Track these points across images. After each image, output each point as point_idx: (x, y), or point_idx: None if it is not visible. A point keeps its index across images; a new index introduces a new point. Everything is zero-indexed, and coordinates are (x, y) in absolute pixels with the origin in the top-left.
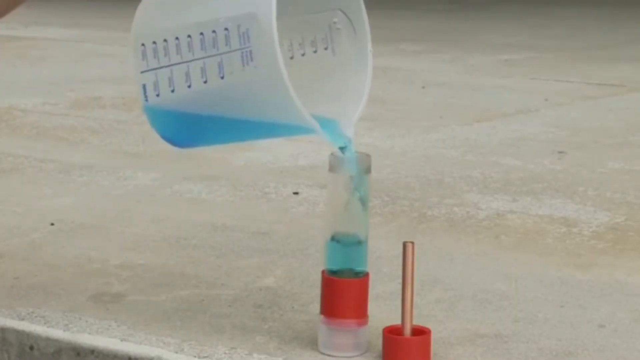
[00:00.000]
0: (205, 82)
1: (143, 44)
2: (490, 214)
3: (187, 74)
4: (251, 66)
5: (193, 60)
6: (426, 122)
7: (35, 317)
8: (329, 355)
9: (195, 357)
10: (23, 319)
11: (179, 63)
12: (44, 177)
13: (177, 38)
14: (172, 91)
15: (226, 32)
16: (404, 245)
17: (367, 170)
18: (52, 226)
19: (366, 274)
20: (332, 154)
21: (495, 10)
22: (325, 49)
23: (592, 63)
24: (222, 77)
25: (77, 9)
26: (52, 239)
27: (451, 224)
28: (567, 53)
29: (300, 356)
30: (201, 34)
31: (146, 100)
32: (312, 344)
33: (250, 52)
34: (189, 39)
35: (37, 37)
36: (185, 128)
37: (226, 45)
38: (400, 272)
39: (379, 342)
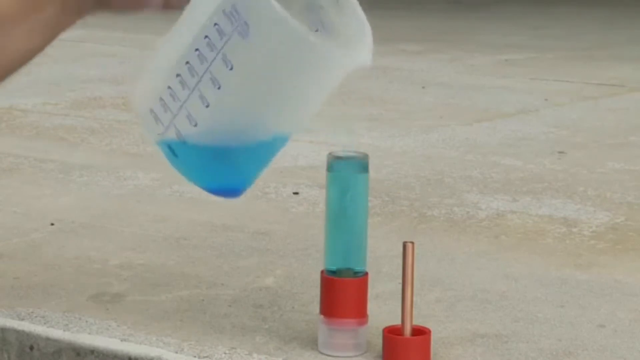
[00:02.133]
0: (219, 88)
1: (151, 109)
2: (490, 214)
3: (201, 97)
4: (251, 35)
5: (200, 79)
6: (426, 122)
7: (35, 317)
8: (329, 355)
9: (195, 357)
10: (23, 319)
11: (191, 93)
12: (44, 177)
13: (178, 75)
14: (195, 125)
15: (217, 26)
16: (404, 245)
17: (365, 169)
18: (52, 226)
19: (365, 274)
20: (330, 153)
21: (495, 10)
22: (316, 31)
23: (592, 63)
24: (231, 69)
25: None
26: (52, 239)
27: (451, 224)
28: (567, 53)
29: (300, 356)
30: (196, 49)
31: (176, 156)
32: (312, 344)
33: (245, 22)
34: (187, 65)
35: None
36: (226, 163)
37: (221, 39)
38: (400, 272)
39: (379, 342)
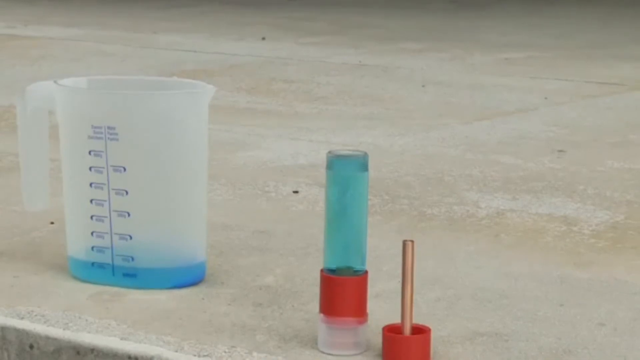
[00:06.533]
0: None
1: None
2: (490, 212)
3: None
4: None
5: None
6: (426, 120)
7: (35, 315)
8: (328, 354)
9: (195, 355)
10: (23, 318)
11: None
12: None
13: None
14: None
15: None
16: (404, 243)
17: (365, 168)
18: (52, 225)
19: (365, 272)
20: (329, 152)
21: (495, 10)
22: None
23: (591, 62)
24: (125, 170)
25: (77, 8)
26: (52, 238)
27: (451, 223)
28: (566, 52)
29: (300, 355)
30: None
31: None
32: (312, 342)
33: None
34: None
35: (38, 36)
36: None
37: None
38: (400, 271)
39: (378, 340)
